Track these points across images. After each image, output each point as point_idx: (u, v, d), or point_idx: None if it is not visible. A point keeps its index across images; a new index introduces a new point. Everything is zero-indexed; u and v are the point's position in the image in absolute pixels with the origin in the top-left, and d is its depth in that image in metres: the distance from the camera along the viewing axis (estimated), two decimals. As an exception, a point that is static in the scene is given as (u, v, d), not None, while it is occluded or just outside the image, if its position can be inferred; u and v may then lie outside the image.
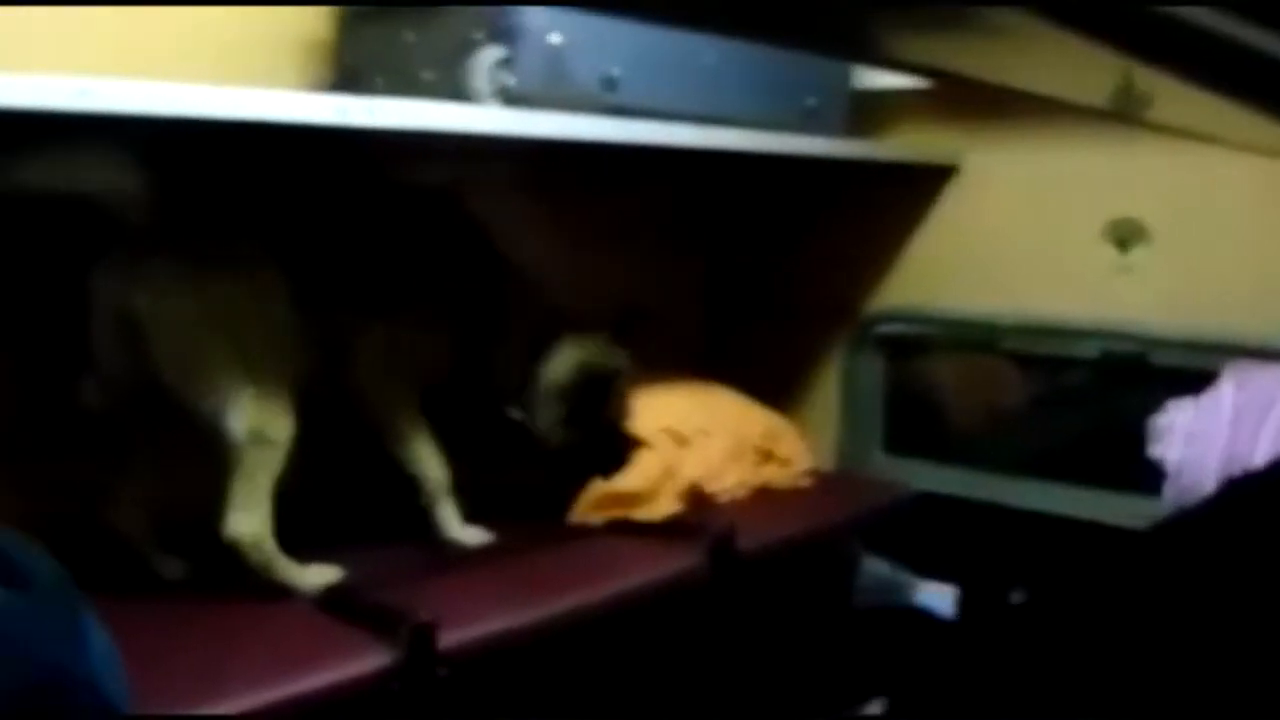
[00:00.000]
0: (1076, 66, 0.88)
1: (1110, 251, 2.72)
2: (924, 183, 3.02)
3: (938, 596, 2.90)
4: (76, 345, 1.98)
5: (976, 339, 2.97)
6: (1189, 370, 2.56)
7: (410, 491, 2.28)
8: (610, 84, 2.30)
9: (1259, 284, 2.56)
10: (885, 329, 3.11)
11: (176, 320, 1.93)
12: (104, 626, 1.44)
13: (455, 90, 2.20)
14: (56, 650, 1.34)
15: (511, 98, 2.17)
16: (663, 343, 2.53)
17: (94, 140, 1.88)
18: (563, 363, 2.39)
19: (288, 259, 2.04)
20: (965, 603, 2.87)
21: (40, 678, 1.30)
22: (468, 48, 2.19)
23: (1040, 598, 2.19)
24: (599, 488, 2.49)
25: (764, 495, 2.78)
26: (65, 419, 2.07)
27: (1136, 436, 2.46)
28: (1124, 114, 0.99)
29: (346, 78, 2.42)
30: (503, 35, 2.17)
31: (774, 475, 2.83)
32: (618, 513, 2.50)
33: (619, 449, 2.47)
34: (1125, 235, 2.69)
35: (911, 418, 3.15)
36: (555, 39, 2.21)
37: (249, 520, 1.95)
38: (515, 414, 2.41)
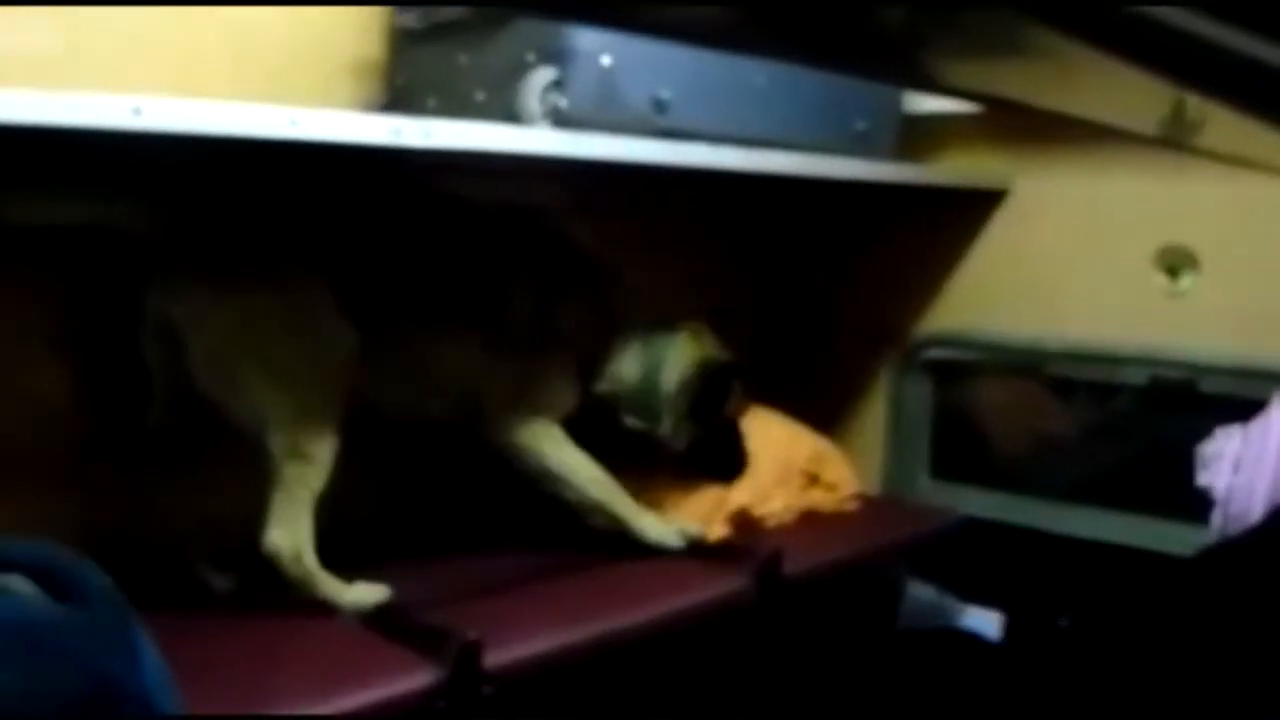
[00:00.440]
0: (1127, 93, 0.89)
1: (1160, 278, 2.70)
2: (973, 207, 3.01)
3: (983, 621, 2.89)
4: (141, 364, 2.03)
5: (1024, 364, 2.96)
6: (1237, 398, 2.54)
7: (460, 509, 2.29)
8: (660, 106, 2.31)
9: (1310, 313, 2.54)
10: (933, 353, 3.10)
11: (214, 336, 1.95)
12: (153, 640, 1.46)
13: (507, 111, 2.21)
14: (108, 663, 1.35)
15: (562, 119, 2.18)
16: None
17: (141, 160, 1.91)
18: (680, 360, 2.41)
19: (345, 281, 2.06)
20: (1011, 628, 2.85)
21: (92, 690, 1.31)
22: (520, 70, 2.20)
23: (1086, 624, 2.19)
24: (724, 500, 2.50)
25: (810, 519, 2.77)
26: (128, 437, 2.09)
27: (1184, 464, 2.45)
28: (1174, 141, 0.99)
29: (398, 98, 2.43)
30: (555, 57, 2.18)
31: (820, 499, 2.83)
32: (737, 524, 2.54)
33: (737, 451, 2.48)
34: (1175, 262, 2.68)
35: (958, 443, 3.14)
36: (606, 61, 2.21)
37: (287, 535, 1.96)
38: (632, 423, 2.42)
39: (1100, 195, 2.80)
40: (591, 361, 2.39)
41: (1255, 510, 2.29)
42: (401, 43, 2.46)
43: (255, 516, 1.97)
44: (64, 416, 2.12)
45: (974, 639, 2.86)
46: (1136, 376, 2.77)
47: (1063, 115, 0.98)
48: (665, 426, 2.43)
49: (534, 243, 2.36)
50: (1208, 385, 2.66)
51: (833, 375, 3.26)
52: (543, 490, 2.35)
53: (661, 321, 2.46)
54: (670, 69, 2.31)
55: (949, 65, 0.82)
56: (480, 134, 2.02)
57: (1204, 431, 2.47)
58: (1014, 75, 0.84)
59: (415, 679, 1.81)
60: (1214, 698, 1.32)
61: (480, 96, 2.28)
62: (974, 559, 2.89)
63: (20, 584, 1.38)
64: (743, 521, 2.62)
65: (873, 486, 3.11)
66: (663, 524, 2.40)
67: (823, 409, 3.10)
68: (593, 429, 2.39)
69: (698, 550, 2.44)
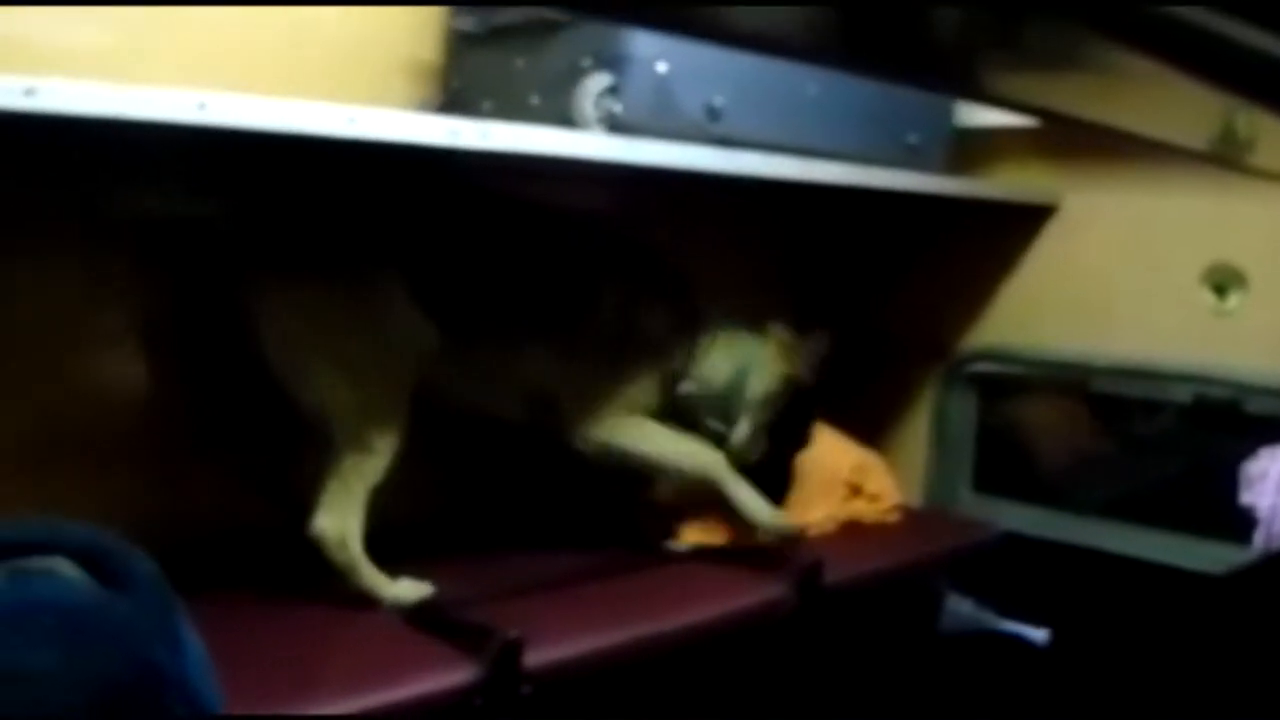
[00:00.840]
0: (1179, 109, 0.89)
1: (1207, 296, 2.70)
2: (1023, 222, 3.01)
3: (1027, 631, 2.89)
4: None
5: (1069, 380, 2.96)
6: (1282, 418, 2.53)
7: (519, 509, 2.31)
8: (714, 113, 2.31)
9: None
10: (978, 367, 3.10)
11: (284, 327, 1.99)
12: (196, 628, 1.47)
13: (561, 116, 2.22)
14: (151, 649, 1.36)
15: (617, 124, 2.19)
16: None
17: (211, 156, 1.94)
18: (768, 371, 2.42)
19: (425, 281, 2.10)
20: (1050, 644, 2.85)
21: (134, 675, 1.32)
22: (575, 75, 2.22)
23: (1127, 641, 2.18)
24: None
25: (852, 529, 2.78)
26: (215, 424, 2.14)
27: (1227, 483, 2.44)
28: (1224, 158, 1.00)
29: (453, 101, 2.45)
30: (610, 63, 2.20)
31: (862, 510, 2.83)
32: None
33: (787, 477, 2.49)
34: (1223, 281, 2.67)
35: (1001, 457, 3.13)
36: (662, 68, 2.22)
37: (335, 520, 1.99)
38: (713, 425, 2.43)
39: (1149, 212, 2.80)
40: (671, 363, 2.41)
41: (1298, 531, 2.29)
42: (458, 46, 2.48)
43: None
44: (151, 404, 2.16)
45: (1018, 641, 2.85)
46: (1181, 394, 2.75)
47: (1114, 130, 0.99)
48: (741, 432, 2.44)
49: (618, 249, 2.40)
50: (1253, 405, 2.64)
51: (878, 387, 3.26)
52: (633, 489, 2.41)
53: (747, 324, 2.48)
54: (724, 76, 2.32)
55: (1004, 77, 0.82)
56: (537, 137, 2.04)
57: (1248, 451, 2.47)
58: (1067, 89, 0.84)
59: (454, 676, 1.83)
60: (1251, 709, 1.32)
61: (535, 101, 2.30)
62: (1014, 574, 2.88)
63: (66, 567, 1.39)
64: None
65: (915, 498, 3.11)
66: (764, 502, 2.40)
67: (867, 420, 3.11)
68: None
69: (740, 556, 2.44)
